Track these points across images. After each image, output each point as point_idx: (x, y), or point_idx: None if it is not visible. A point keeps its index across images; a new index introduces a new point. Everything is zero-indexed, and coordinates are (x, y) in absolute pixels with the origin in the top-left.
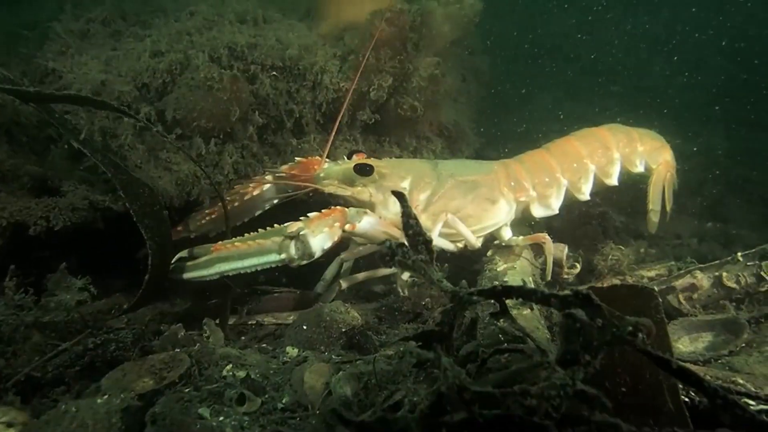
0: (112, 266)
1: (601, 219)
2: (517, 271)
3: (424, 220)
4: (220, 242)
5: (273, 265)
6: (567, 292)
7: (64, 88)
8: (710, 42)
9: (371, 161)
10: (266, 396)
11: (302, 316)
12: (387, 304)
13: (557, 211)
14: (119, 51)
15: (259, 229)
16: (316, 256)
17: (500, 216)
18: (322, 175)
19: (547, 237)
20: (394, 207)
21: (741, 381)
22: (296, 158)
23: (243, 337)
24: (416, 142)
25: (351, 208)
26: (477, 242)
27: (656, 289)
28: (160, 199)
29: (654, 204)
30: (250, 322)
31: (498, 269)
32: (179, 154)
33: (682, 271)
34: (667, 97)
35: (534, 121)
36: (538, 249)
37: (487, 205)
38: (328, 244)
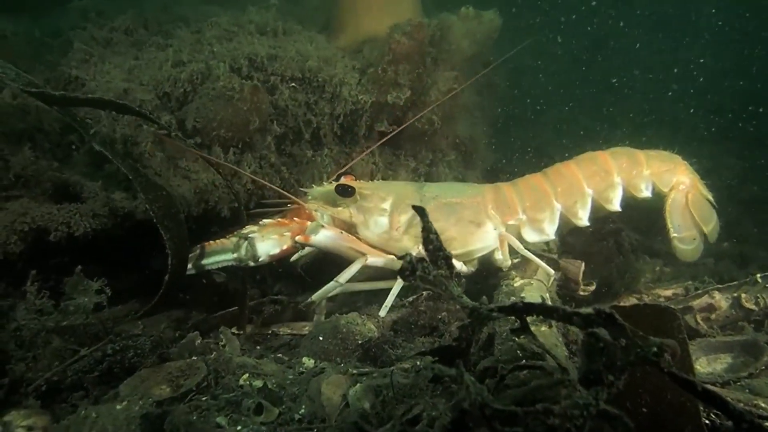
0: (125, 273)
1: (616, 236)
2: (534, 287)
3: (405, 242)
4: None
5: (229, 263)
6: (589, 310)
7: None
8: (723, 61)
9: (354, 183)
10: (283, 406)
11: (318, 327)
12: (403, 317)
13: (552, 236)
14: (141, 60)
15: None
16: (261, 260)
17: (488, 240)
18: (309, 196)
19: (505, 234)
20: (375, 228)
21: (763, 405)
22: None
23: (258, 347)
24: (432, 155)
25: (310, 222)
26: (462, 267)
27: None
28: (178, 203)
29: (677, 230)
30: (266, 332)
31: (515, 284)
32: (198, 163)
33: (699, 291)
34: (680, 115)
35: (547, 135)
36: (555, 263)
37: (472, 228)
38: (274, 251)
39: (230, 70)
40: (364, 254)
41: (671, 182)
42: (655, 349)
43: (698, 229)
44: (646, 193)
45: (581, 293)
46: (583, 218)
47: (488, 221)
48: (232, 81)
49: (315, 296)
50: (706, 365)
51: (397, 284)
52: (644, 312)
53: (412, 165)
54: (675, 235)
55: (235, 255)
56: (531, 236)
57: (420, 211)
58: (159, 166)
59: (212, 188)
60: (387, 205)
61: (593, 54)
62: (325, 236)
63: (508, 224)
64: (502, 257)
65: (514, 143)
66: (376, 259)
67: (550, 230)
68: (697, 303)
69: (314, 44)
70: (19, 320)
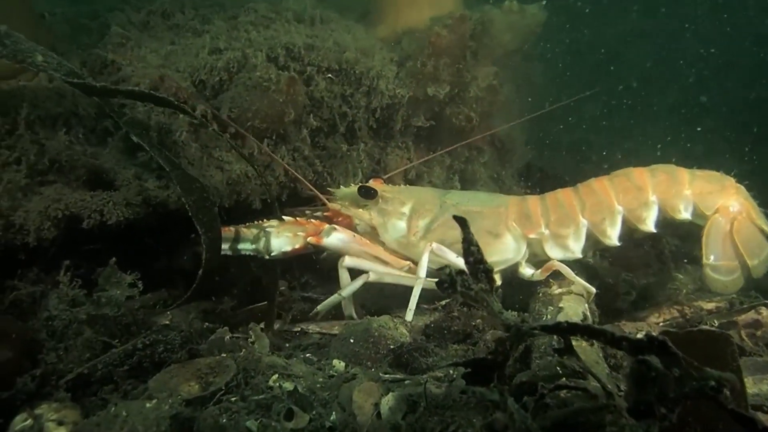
0: (155, 260)
1: (655, 242)
2: (572, 297)
3: (421, 247)
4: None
5: (246, 253)
6: (641, 336)
7: (123, 81)
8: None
9: (378, 185)
10: (314, 412)
11: (349, 328)
12: (436, 322)
13: (579, 255)
14: (177, 46)
15: None
16: (273, 255)
17: (507, 252)
18: (337, 195)
19: (557, 262)
20: (393, 231)
21: None
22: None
23: (288, 344)
24: (468, 152)
25: (327, 225)
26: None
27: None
28: (212, 198)
29: (711, 257)
30: (294, 329)
31: (553, 293)
32: (232, 154)
33: (744, 306)
34: (725, 115)
35: (583, 133)
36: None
37: (489, 239)
38: (286, 248)
39: (267, 60)
40: (376, 258)
41: (715, 205)
42: (713, 383)
43: (740, 260)
44: (685, 214)
45: (619, 304)
46: (612, 237)
47: (507, 233)
48: (269, 71)
49: (320, 307)
50: (752, 385)
51: (417, 285)
52: (697, 338)
53: (447, 162)
54: (708, 262)
55: (253, 246)
56: (554, 252)
57: (461, 221)
58: (193, 155)
59: (245, 180)
60: (406, 210)
61: (634, 48)
62: (337, 239)
63: (529, 237)
64: (530, 273)
65: (552, 141)
66: (381, 275)
67: (575, 247)
68: (742, 318)
69: (352, 34)
70: (51, 310)
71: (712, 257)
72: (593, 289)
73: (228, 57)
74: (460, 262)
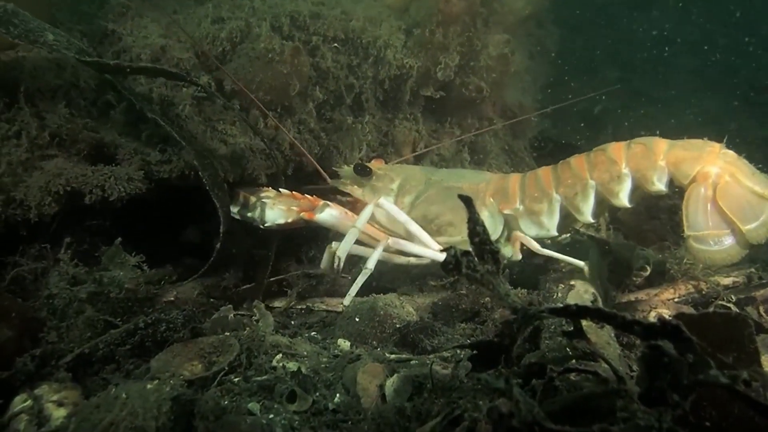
0: (160, 234)
1: (671, 214)
2: (583, 275)
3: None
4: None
5: (247, 219)
6: (653, 320)
7: (123, 51)
8: None
9: (373, 164)
10: (317, 394)
11: (355, 306)
12: (443, 300)
13: (554, 232)
14: (179, 15)
15: None
16: (266, 225)
17: None
18: (339, 173)
19: (520, 234)
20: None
21: None
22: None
23: (293, 322)
24: (478, 124)
25: (322, 201)
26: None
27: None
28: (221, 172)
29: (693, 227)
30: (299, 306)
31: (563, 270)
32: (236, 127)
33: (764, 281)
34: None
35: (598, 101)
36: (605, 244)
37: (465, 214)
38: (279, 220)
39: (271, 29)
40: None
41: (692, 173)
42: (726, 380)
43: (732, 227)
44: (658, 185)
45: (633, 278)
46: (585, 213)
47: (484, 209)
48: (272, 42)
49: (351, 290)
50: None
51: (363, 274)
52: (713, 320)
53: (457, 133)
54: (690, 233)
55: (250, 214)
56: (530, 229)
57: (466, 201)
58: (196, 129)
59: (249, 153)
60: (395, 186)
61: (652, 11)
62: (329, 215)
63: (504, 213)
64: (511, 253)
65: (566, 109)
66: (398, 241)
67: (549, 224)
68: (761, 294)
69: (360, 1)
70: (51, 288)
71: (694, 228)
72: (581, 263)
73: (231, 26)
74: (428, 254)
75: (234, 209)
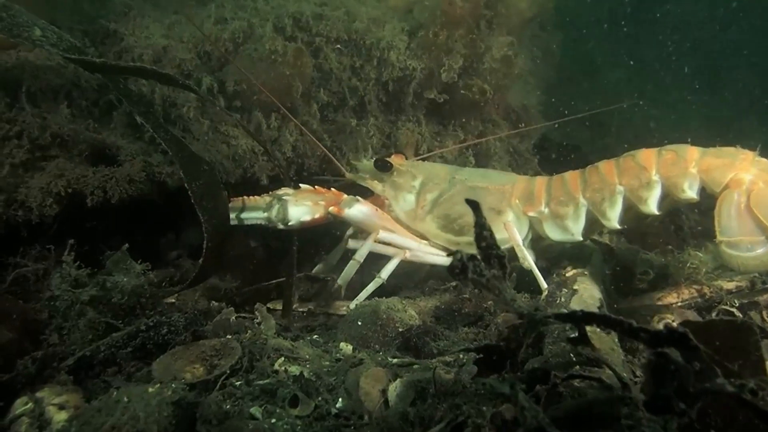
0: (162, 236)
1: (674, 216)
2: (587, 279)
3: (428, 222)
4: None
5: (259, 222)
6: (660, 328)
7: (125, 51)
8: None
9: (394, 159)
10: (320, 398)
11: (357, 310)
12: (446, 303)
13: (578, 237)
14: (182, 15)
15: None
16: (290, 224)
17: (509, 230)
18: (358, 167)
19: (509, 223)
20: (403, 204)
21: None
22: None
23: (295, 324)
24: (482, 126)
25: (347, 195)
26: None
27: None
28: (220, 178)
29: (726, 233)
30: (300, 309)
31: (567, 275)
32: (238, 129)
33: (767, 285)
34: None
35: (601, 103)
36: (609, 249)
37: (492, 216)
38: (306, 217)
39: (274, 30)
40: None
41: (724, 180)
42: (733, 389)
43: (766, 234)
44: (689, 193)
45: (636, 283)
46: (611, 219)
47: (509, 210)
48: (275, 43)
49: (360, 296)
50: None
51: (352, 266)
52: (719, 328)
53: (461, 136)
54: (723, 239)
55: (265, 214)
56: (554, 233)
57: (473, 205)
58: (198, 129)
59: (251, 155)
60: (417, 183)
61: (658, 12)
62: (359, 211)
63: (529, 216)
64: (520, 255)
65: (570, 111)
66: (416, 253)
67: (575, 229)
68: (764, 298)
69: (363, 2)
70: (53, 290)
71: (726, 233)
72: (544, 285)
73: (233, 27)
74: (429, 257)
75: (241, 215)
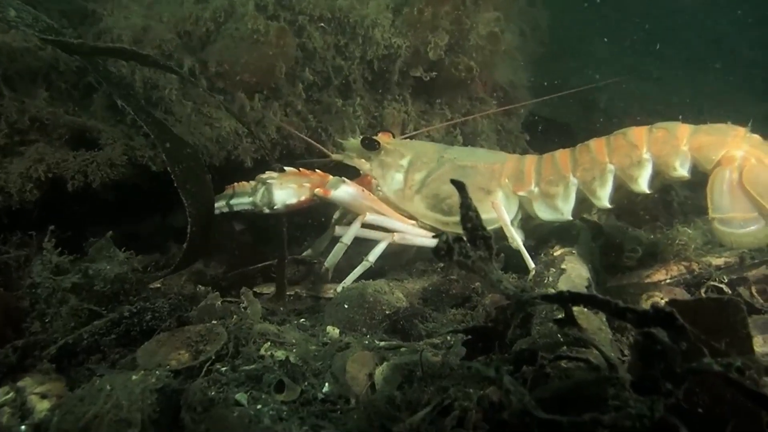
0: (146, 219)
1: (664, 193)
2: (575, 258)
3: (416, 202)
4: None
5: (245, 207)
6: (646, 308)
7: (104, 32)
8: None
9: (381, 138)
10: (306, 384)
11: (344, 293)
12: (434, 285)
13: (568, 216)
14: None
15: None
16: (276, 208)
17: (497, 209)
18: (344, 145)
19: (497, 202)
20: (392, 183)
21: None
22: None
23: (282, 309)
24: (469, 104)
25: (333, 177)
26: (431, 242)
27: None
28: (203, 161)
29: (719, 210)
30: (287, 293)
31: (555, 254)
32: (221, 110)
33: (756, 261)
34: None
35: (592, 78)
36: (599, 227)
37: (481, 195)
38: (291, 200)
39: (255, 9)
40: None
41: (716, 157)
42: (738, 364)
43: (761, 210)
44: (681, 171)
45: (625, 261)
46: (602, 198)
47: (499, 190)
48: (257, 22)
49: (347, 280)
50: (762, 344)
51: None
52: (706, 306)
53: (448, 114)
54: (716, 215)
55: (251, 199)
56: (544, 213)
57: (459, 186)
58: (181, 112)
59: (235, 137)
60: (405, 162)
61: None
62: (345, 192)
63: (518, 195)
64: (508, 234)
65: (557, 87)
66: (404, 236)
67: (564, 208)
68: (753, 274)
69: None
70: (34, 277)
71: (719, 211)
72: (531, 265)
73: (214, 6)
74: (416, 237)
75: (230, 201)
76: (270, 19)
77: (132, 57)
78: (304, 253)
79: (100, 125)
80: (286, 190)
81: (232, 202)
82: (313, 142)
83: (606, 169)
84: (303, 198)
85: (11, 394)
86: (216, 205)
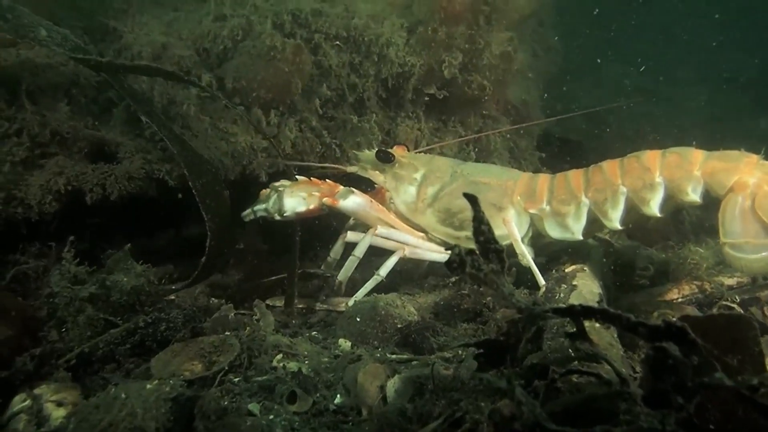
0: (161, 232)
1: (675, 213)
2: (587, 275)
3: (428, 215)
4: None
5: (260, 214)
6: (658, 322)
7: (125, 49)
8: None
9: (396, 151)
10: (318, 395)
11: (356, 306)
12: (445, 299)
13: (578, 236)
14: (181, 12)
15: None
16: (286, 215)
17: (508, 226)
18: (359, 156)
19: (507, 219)
20: (404, 196)
21: None
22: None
23: (294, 321)
24: (482, 122)
25: (343, 187)
26: (442, 257)
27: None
28: (221, 177)
29: (730, 235)
30: (299, 306)
31: (566, 270)
32: (237, 126)
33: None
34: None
35: (603, 98)
36: (608, 245)
37: (493, 211)
38: (300, 208)
39: (273, 27)
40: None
41: (729, 183)
42: (730, 382)
43: None
44: (693, 196)
45: (637, 279)
46: (613, 219)
47: (511, 207)
48: (273, 39)
49: (359, 293)
50: None
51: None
52: (718, 322)
53: (461, 132)
54: (726, 240)
55: (264, 206)
56: (554, 231)
57: (471, 199)
58: (197, 127)
59: (250, 152)
60: (418, 176)
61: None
62: (354, 202)
63: (529, 213)
64: (519, 251)
65: (569, 104)
66: (415, 251)
67: (575, 228)
68: (765, 294)
69: None
70: (52, 287)
71: (731, 236)
72: (542, 282)
73: (232, 24)
74: (425, 252)
75: (254, 208)
76: (287, 37)
77: (158, 74)
78: (321, 267)
79: (119, 138)
80: (296, 198)
81: (256, 208)
82: (318, 166)
83: (618, 191)
84: (312, 206)
85: (28, 402)
86: (243, 214)
